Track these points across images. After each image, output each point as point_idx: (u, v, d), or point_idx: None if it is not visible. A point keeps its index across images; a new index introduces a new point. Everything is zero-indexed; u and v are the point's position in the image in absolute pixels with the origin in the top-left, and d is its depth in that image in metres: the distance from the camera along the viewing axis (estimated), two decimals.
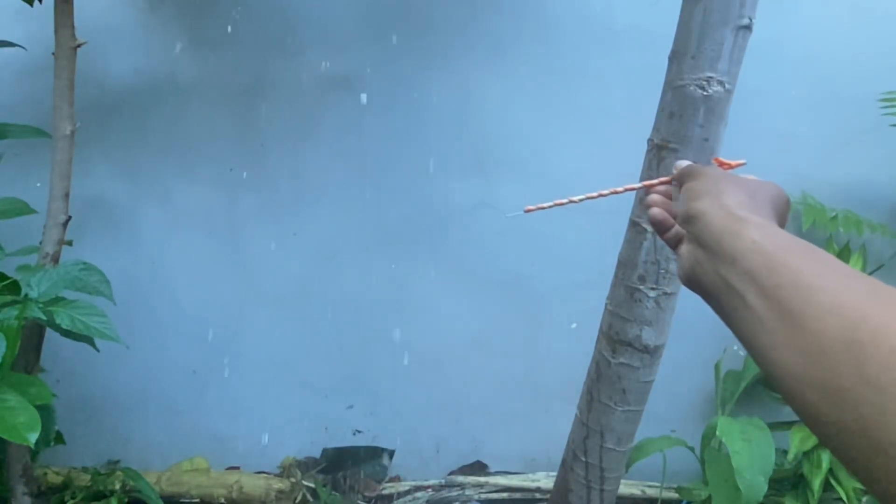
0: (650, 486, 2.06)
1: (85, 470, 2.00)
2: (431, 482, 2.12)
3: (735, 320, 0.43)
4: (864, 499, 1.75)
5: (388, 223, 2.00)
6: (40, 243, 1.55)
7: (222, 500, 2.00)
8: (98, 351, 1.57)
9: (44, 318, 1.34)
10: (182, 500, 2.00)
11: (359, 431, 2.14)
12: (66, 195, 1.54)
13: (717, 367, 1.98)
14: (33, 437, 1.16)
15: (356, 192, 1.98)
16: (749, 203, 0.49)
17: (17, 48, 1.64)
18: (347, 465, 2.12)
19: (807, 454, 1.76)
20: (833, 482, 1.76)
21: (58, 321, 1.34)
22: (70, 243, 1.62)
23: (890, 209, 1.95)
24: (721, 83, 1.16)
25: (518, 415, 2.11)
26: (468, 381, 2.09)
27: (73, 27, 1.49)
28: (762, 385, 1.94)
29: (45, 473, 1.96)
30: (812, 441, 1.75)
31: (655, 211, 0.62)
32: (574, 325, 2.04)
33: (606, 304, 1.37)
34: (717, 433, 1.53)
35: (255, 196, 1.98)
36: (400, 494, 2.09)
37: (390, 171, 1.97)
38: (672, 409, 2.03)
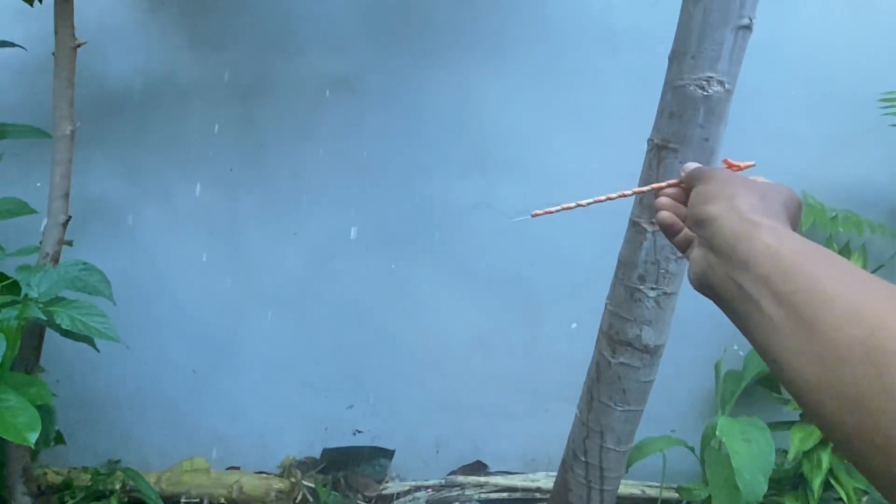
0: (650, 486, 2.06)
1: (85, 470, 2.00)
2: (431, 482, 2.12)
3: (749, 326, 0.42)
4: (865, 499, 1.75)
5: (388, 223, 2.00)
6: (40, 243, 1.55)
7: (222, 500, 2.00)
8: (98, 351, 1.57)
9: (44, 318, 1.34)
10: (182, 500, 2.00)
11: (359, 431, 2.14)
12: (66, 195, 1.54)
13: (717, 367, 1.98)
14: (33, 437, 1.16)
15: (356, 192, 1.98)
16: (761, 206, 0.48)
17: (17, 48, 1.64)
18: (347, 465, 2.12)
19: (807, 454, 1.76)
20: (833, 482, 1.76)
21: (58, 321, 1.35)
22: (70, 243, 1.62)
23: (890, 209, 1.95)
24: (721, 83, 1.16)
25: (518, 415, 2.11)
26: (468, 381, 2.09)
27: (73, 27, 1.49)
28: (762, 385, 1.94)
29: (45, 473, 1.97)
30: (812, 441, 1.75)
31: (664, 214, 0.61)
32: (574, 326, 2.04)
33: (606, 304, 1.37)
34: (717, 433, 1.53)
35: (255, 196, 1.98)
36: (400, 494, 2.09)
37: (390, 171, 1.97)
38: (672, 409, 2.03)
